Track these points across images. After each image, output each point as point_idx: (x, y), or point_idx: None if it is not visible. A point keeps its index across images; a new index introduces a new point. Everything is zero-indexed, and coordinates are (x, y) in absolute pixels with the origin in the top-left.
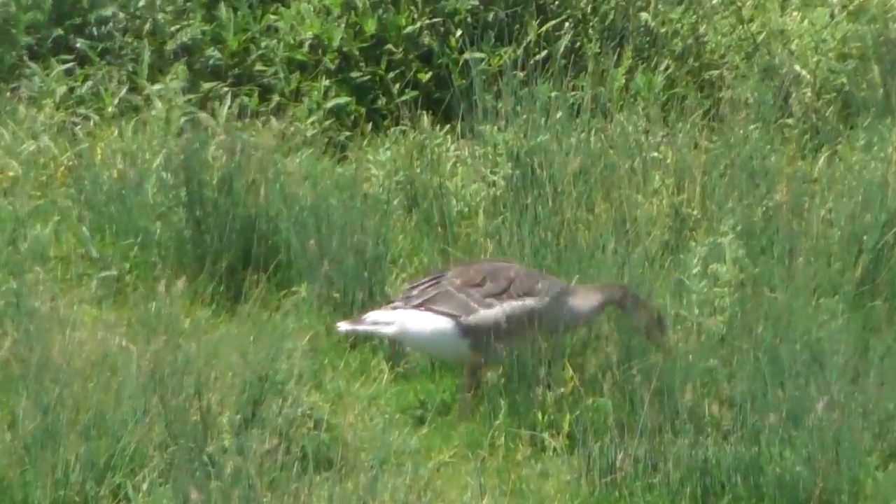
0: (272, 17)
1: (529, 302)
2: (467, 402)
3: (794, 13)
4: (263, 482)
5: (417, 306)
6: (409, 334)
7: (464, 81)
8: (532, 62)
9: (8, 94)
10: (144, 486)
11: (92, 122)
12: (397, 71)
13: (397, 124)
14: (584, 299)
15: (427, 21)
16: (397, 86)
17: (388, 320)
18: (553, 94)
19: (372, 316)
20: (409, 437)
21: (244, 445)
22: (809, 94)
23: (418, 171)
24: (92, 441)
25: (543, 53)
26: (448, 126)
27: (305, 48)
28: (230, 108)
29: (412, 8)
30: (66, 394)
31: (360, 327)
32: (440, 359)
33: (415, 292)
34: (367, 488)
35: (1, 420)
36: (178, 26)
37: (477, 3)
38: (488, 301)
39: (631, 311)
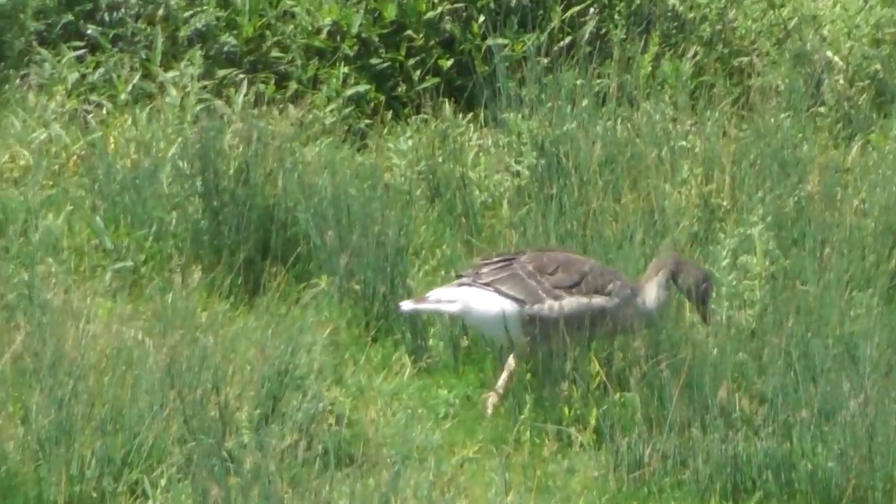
0: (289, 2)
1: (598, 301)
2: (497, 400)
3: None
4: (284, 479)
5: (485, 285)
6: (472, 313)
7: (487, 68)
8: (556, 49)
9: (17, 81)
10: (162, 482)
11: (104, 110)
12: (418, 58)
13: (418, 112)
14: (648, 295)
15: (448, 6)
16: (418, 73)
17: (452, 298)
18: (578, 82)
19: (435, 294)
20: (432, 432)
21: (264, 441)
22: (842, 81)
23: (440, 160)
24: (108, 436)
25: (568, 40)
26: (471, 114)
27: (323, 34)
28: (246, 95)
29: None
30: (81, 388)
31: (423, 306)
32: (495, 339)
33: (485, 270)
34: (390, 485)
35: (14, 415)
36: (191, 12)
37: None
38: (557, 292)
39: (682, 280)
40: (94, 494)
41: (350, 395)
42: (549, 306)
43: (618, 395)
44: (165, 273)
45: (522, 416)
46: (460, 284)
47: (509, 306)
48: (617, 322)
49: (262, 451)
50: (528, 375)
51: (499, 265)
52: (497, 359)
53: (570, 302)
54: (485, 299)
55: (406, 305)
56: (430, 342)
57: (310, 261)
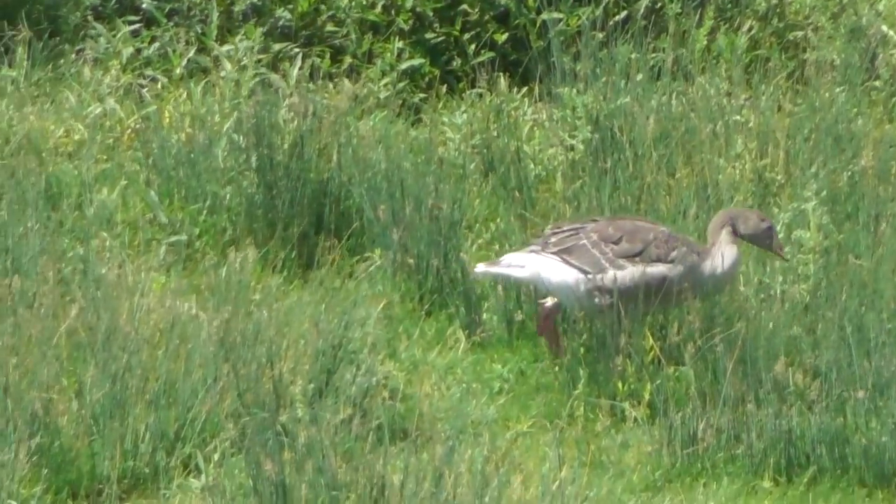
0: None
1: (660, 269)
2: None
3: None
4: (338, 453)
5: (553, 254)
6: (539, 280)
7: (541, 43)
8: (611, 23)
9: (73, 55)
10: (216, 457)
11: (159, 85)
12: (473, 32)
13: (473, 87)
14: (717, 258)
15: None
16: (473, 47)
17: (522, 263)
18: (633, 56)
19: (507, 258)
20: (487, 406)
21: (318, 415)
22: None
23: (495, 134)
24: (161, 410)
25: (623, 14)
26: (525, 89)
27: (378, 8)
28: (301, 69)
29: None
30: (135, 362)
31: (494, 269)
32: (566, 304)
33: (553, 239)
34: (444, 459)
35: (68, 388)
36: None
37: None
38: (620, 262)
39: (742, 228)
40: (147, 469)
41: (404, 370)
42: (611, 276)
43: (672, 369)
44: (219, 247)
45: (576, 391)
46: (530, 251)
47: (574, 276)
48: (683, 289)
49: (316, 426)
50: (582, 350)
51: (567, 234)
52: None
53: (633, 271)
54: (551, 268)
55: (480, 268)
56: (485, 316)
57: (364, 235)
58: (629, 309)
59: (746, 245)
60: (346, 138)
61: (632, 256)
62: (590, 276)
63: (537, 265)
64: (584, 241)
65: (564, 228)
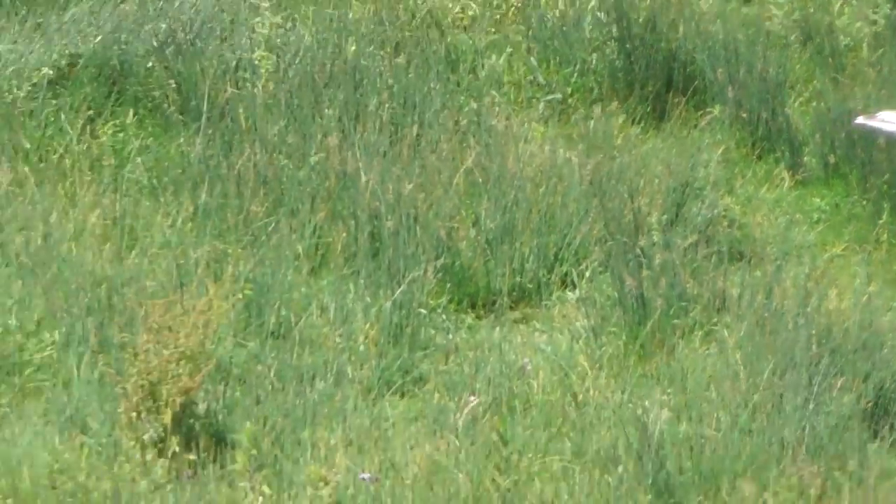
0: None
1: None
2: None
3: None
4: (686, 271)
5: None
6: None
7: None
8: None
9: None
10: (587, 274)
11: None
12: None
13: None
14: None
15: None
16: None
17: (893, 120)
18: None
19: (882, 114)
20: (807, 233)
21: (670, 241)
22: None
23: (811, 10)
24: (543, 236)
25: None
26: None
27: None
28: None
29: None
30: (521, 197)
31: (870, 122)
32: None
33: None
34: (773, 276)
35: (466, 219)
36: None
37: None
38: None
39: None
40: (531, 285)
41: (739, 203)
42: None
43: None
44: (588, 103)
45: (881, 221)
46: None
47: None
48: None
49: (668, 249)
50: (885, 186)
51: None
52: (860, 173)
53: None
54: None
55: (859, 119)
56: (805, 159)
57: (705, 93)
58: None
59: None
60: (689, 15)
61: None
62: None
63: None
64: None
65: None
